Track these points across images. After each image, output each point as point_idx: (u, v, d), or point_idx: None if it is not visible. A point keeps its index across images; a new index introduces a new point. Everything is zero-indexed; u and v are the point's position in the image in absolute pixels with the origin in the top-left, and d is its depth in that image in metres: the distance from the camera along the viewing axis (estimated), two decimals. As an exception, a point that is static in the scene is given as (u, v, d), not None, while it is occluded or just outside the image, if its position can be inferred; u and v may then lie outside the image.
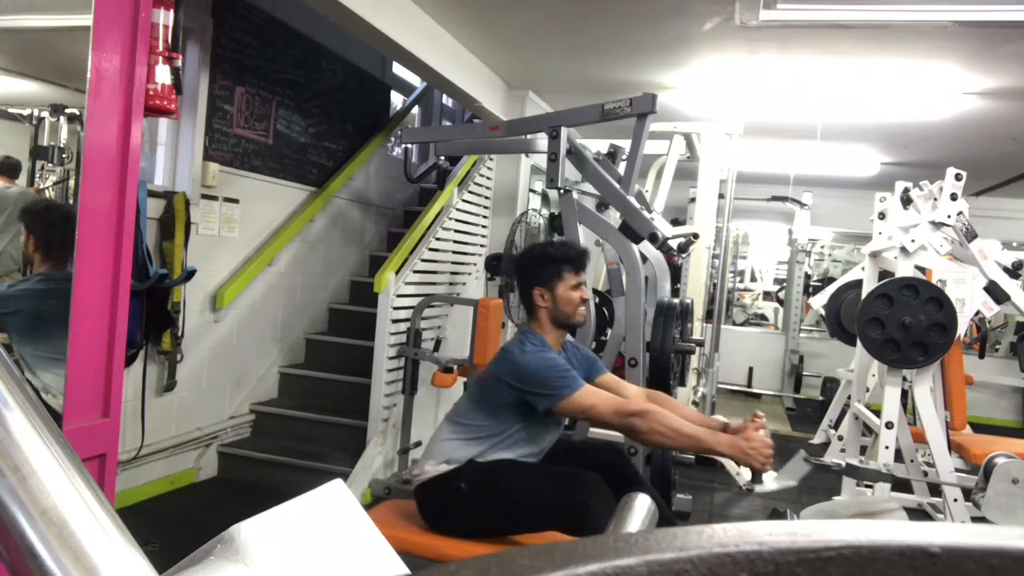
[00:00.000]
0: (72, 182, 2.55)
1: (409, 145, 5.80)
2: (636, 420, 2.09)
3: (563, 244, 2.68)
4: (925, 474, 4.00)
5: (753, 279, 9.75)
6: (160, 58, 1.82)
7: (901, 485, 3.98)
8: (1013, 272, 3.82)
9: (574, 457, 2.36)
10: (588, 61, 4.39)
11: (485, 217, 5.32)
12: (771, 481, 2.11)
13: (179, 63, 1.92)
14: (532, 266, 2.42)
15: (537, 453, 2.33)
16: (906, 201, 3.64)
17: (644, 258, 3.41)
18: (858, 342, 3.94)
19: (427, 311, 4.24)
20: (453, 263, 4.96)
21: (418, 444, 4.16)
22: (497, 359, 2.34)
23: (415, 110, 6.51)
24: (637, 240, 3.12)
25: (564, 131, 3.10)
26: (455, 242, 4.94)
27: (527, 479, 2.20)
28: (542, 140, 3.45)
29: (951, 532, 0.32)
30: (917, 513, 3.97)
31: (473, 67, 4.49)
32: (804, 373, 7.92)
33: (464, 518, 2.21)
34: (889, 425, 3.46)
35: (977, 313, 3.62)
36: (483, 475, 2.20)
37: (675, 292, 4.56)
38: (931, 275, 3.47)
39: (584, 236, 3.30)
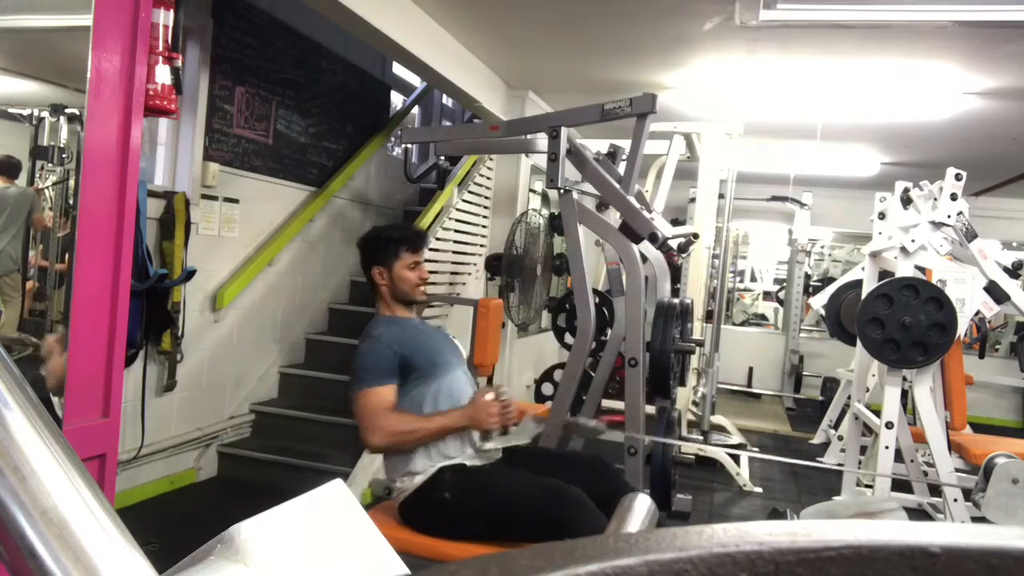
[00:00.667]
0: (72, 182, 2.55)
1: (409, 145, 5.80)
2: (373, 436, 2.19)
3: (401, 226, 2.77)
4: (925, 474, 4.00)
5: (753, 279, 9.76)
6: (160, 58, 1.82)
7: (901, 485, 3.98)
8: (1013, 272, 3.82)
9: (560, 470, 2.34)
10: (588, 61, 4.40)
11: (485, 217, 5.32)
12: (498, 439, 2.27)
13: (179, 63, 1.92)
14: (371, 247, 2.49)
15: (462, 443, 2.31)
16: (906, 201, 3.64)
17: (644, 258, 3.41)
18: (858, 342, 3.94)
19: (427, 311, 4.24)
20: (453, 263, 4.96)
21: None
22: None
23: (415, 110, 6.51)
24: (637, 240, 3.12)
25: (564, 131, 3.10)
26: (455, 242, 4.94)
27: (513, 493, 2.18)
28: (542, 140, 3.44)
29: (951, 532, 0.32)
30: (917, 513, 3.97)
31: (473, 67, 4.49)
32: (804, 373, 7.92)
33: (451, 527, 2.21)
34: (889, 425, 3.47)
35: (977, 313, 3.62)
36: (467, 485, 2.21)
37: (675, 292, 4.56)
38: (931, 275, 3.47)
39: (584, 236, 3.29)
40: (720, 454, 4.76)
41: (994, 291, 3.56)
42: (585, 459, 2.58)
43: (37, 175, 2.62)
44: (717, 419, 5.51)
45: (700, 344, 4.50)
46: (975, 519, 3.31)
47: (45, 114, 2.55)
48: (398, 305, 2.46)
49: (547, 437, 3.03)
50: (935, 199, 3.49)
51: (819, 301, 5.75)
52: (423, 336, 2.44)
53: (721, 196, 5.19)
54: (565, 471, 2.32)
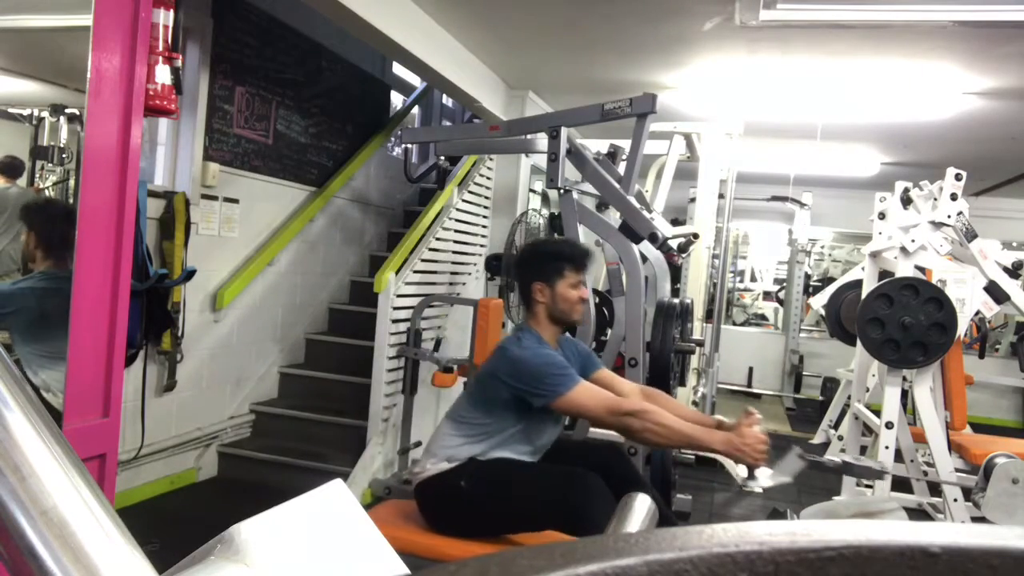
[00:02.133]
0: (72, 182, 2.55)
1: (409, 145, 5.79)
2: (630, 419, 2.09)
3: (566, 242, 2.68)
4: (925, 474, 4.00)
5: (753, 279, 9.75)
6: (160, 58, 1.82)
7: (901, 485, 3.98)
8: (1013, 272, 3.82)
9: (574, 457, 2.36)
10: (588, 61, 4.39)
11: (485, 217, 5.32)
12: (765, 478, 2.12)
13: (179, 63, 1.92)
14: (534, 261, 2.43)
15: (536, 451, 2.33)
16: (906, 201, 3.64)
17: (644, 258, 3.41)
18: (858, 342, 3.94)
19: (427, 311, 4.24)
20: (453, 263, 4.96)
21: (418, 444, 4.16)
22: (494, 355, 2.34)
23: (415, 110, 6.51)
24: (637, 240, 3.12)
25: (564, 131, 3.10)
26: (455, 242, 4.94)
27: (527, 478, 2.20)
28: (542, 140, 3.45)
29: (951, 532, 0.32)
30: (917, 513, 3.97)
31: (473, 67, 4.49)
32: (804, 373, 7.92)
33: (464, 516, 2.21)
34: (889, 425, 3.46)
35: (977, 313, 3.62)
36: (483, 473, 2.20)
37: (675, 292, 4.56)
38: (931, 275, 3.47)
39: (584, 236, 3.30)
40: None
41: (994, 291, 3.56)
42: (600, 446, 2.59)
43: (37, 175, 2.62)
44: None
45: (700, 344, 4.50)
46: (975, 519, 3.31)
47: (45, 114, 2.56)
48: (551, 326, 2.38)
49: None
50: (935, 199, 3.49)
51: (819, 301, 5.75)
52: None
53: (721, 196, 5.18)
54: (580, 458, 2.33)
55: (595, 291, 3.79)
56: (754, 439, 2.05)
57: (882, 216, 3.78)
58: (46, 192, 2.66)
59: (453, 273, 4.98)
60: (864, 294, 3.77)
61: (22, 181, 2.64)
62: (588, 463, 2.25)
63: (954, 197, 3.43)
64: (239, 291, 4.15)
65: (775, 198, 7.45)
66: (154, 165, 3.83)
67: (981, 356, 6.31)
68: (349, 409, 4.31)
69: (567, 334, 2.56)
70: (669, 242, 3.40)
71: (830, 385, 6.53)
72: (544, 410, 2.22)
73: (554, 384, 2.15)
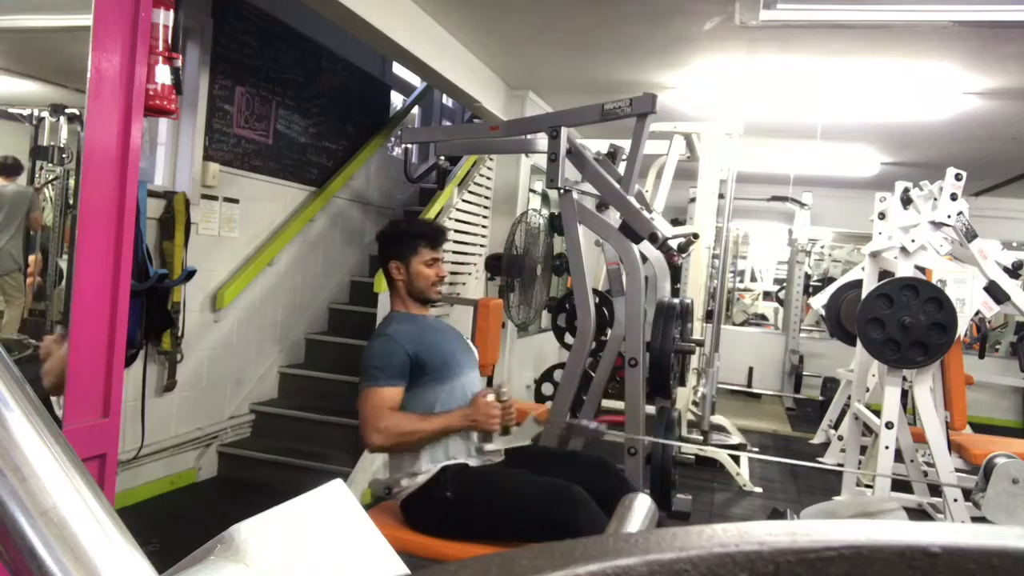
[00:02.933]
0: (72, 182, 2.55)
1: (409, 145, 5.80)
2: (376, 436, 2.18)
3: (421, 220, 2.72)
4: (925, 474, 4.00)
5: (753, 279, 9.75)
6: (160, 58, 1.82)
7: (901, 485, 3.98)
8: (1013, 272, 3.82)
9: (562, 469, 2.35)
10: (588, 61, 4.39)
11: (485, 217, 5.32)
12: (498, 440, 2.27)
13: (179, 63, 1.92)
14: (391, 240, 2.47)
15: (467, 445, 2.31)
16: (906, 201, 3.64)
17: (644, 258, 3.41)
18: (858, 342, 3.94)
19: (432, 310, 4.23)
20: (453, 263, 4.96)
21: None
22: None
23: (415, 110, 6.51)
24: (637, 240, 3.12)
25: (564, 131, 3.10)
26: (455, 242, 4.94)
27: (513, 491, 2.18)
28: (542, 140, 3.44)
29: (951, 532, 0.32)
30: (917, 513, 3.97)
31: (473, 67, 4.49)
32: (804, 373, 7.92)
33: (453, 527, 2.21)
34: (889, 425, 3.47)
35: (977, 313, 3.62)
36: (469, 484, 2.21)
37: (675, 292, 4.56)
38: (931, 275, 3.48)
39: (584, 236, 3.29)
40: (720, 454, 4.76)
41: (994, 291, 3.56)
42: (586, 458, 2.58)
43: (37, 175, 2.62)
44: (717, 419, 5.50)
45: (700, 344, 4.50)
46: (975, 519, 3.31)
47: (45, 114, 2.55)
48: (413, 302, 2.43)
49: (548, 437, 3.03)
50: (935, 199, 3.49)
51: (819, 301, 5.74)
52: (438, 335, 2.42)
53: (721, 196, 5.19)
54: (567, 470, 2.32)
55: (595, 291, 3.79)
56: (486, 406, 2.23)
57: (882, 216, 3.78)
58: (46, 192, 2.66)
59: (453, 273, 4.98)
60: (864, 294, 3.77)
61: (22, 180, 2.64)
62: (576, 476, 2.24)
63: (954, 197, 3.43)
64: (239, 291, 4.15)
65: (775, 198, 7.45)
66: (154, 165, 3.83)
67: (981, 356, 6.31)
68: (349, 409, 4.30)
69: (448, 324, 2.62)
70: (669, 242, 3.39)
71: (830, 385, 6.53)
72: (427, 380, 2.26)
73: (365, 376, 2.23)
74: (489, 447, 2.31)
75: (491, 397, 2.27)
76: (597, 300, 3.70)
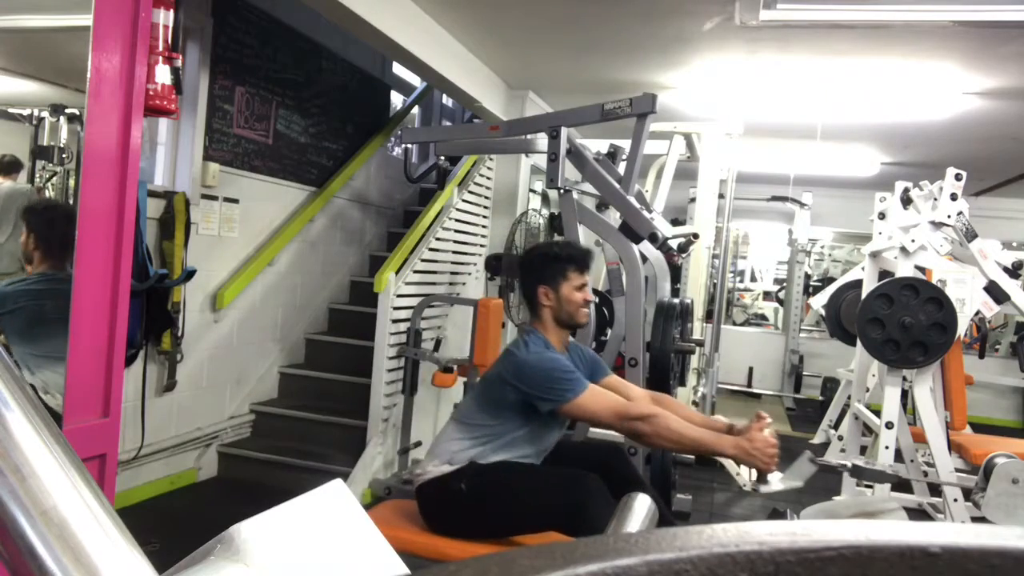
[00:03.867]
0: (72, 182, 2.55)
1: (409, 145, 5.79)
2: (640, 424, 2.09)
3: (568, 244, 2.67)
4: (925, 474, 4.00)
5: (753, 279, 9.75)
6: (160, 58, 1.82)
7: (901, 485, 3.97)
8: (1013, 272, 3.82)
9: (573, 458, 2.36)
10: (588, 61, 4.39)
11: (485, 217, 5.32)
12: (777, 482, 2.09)
13: (179, 63, 1.92)
14: (538, 264, 2.41)
15: (539, 453, 2.33)
16: (906, 201, 3.64)
17: (644, 258, 3.41)
18: (858, 342, 3.94)
19: (427, 311, 4.24)
20: (453, 263, 4.96)
21: (418, 444, 4.16)
22: (501, 359, 2.34)
23: (415, 110, 6.51)
24: (637, 240, 3.12)
25: (564, 131, 3.10)
26: (455, 242, 4.94)
27: (526, 480, 2.20)
28: (542, 140, 3.45)
29: (951, 532, 0.32)
30: (917, 513, 3.97)
31: (473, 67, 4.49)
32: (804, 373, 7.92)
33: (463, 519, 2.21)
34: (889, 425, 3.47)
35: (977, 313, 3.62)
36: (482, 476, 2.20)
37: (675, 292, 4.56)
38: (931, 275, 3.47)
39: (584, 236, 3.30)
40: (720, 454, 4.75)
41: (994, 291, 3.56)
42: (601, 447, 2.58)
43: (37, 175, 2.62)
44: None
45: (700, 344, 4.50)
46: (975, 519, 3.31)
47: (45, 114, 2.55)
48: (557, 329, 2.37)
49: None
50: (935, 199, 3.49)
51: (819, 301, 5.74)
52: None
53: (721, 196, 5.18)
54: (580, 459, 2.33)
55: (595, 291, 3.79)
56: (764, 443, 2.03)
57: (882, 216, 3.78)
58: (47, 191, 2.66)
59: (453, 273, 4.98)
60: (864, 294, 3.77)
61: (21, 179, 2.64)
62: (588, 464, 2.25)
63: (954, 197, 3.43)
64: (239, 291, 4.15)
65: (775, 198, 7.45)
66: (154, 165, 3.83)
67: (981, 356, 6.31)
68: (349, 409, 4.31)
69: (573, 339, 2.55)
70: (669, 242, 3.40)
71: (830, 385, 6.53)
72: (550, 414, 2.21)
73: (562, 389, 2.15)
74: (766, 490, 2.14)
75: (768, 432, 2.07)
76: (597, 300, 3.70)
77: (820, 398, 6.95)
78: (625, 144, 3.50)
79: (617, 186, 3.17)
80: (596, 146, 3.83)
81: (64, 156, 2.56)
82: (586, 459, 2.32)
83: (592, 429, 3.42)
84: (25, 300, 2.08)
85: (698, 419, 2.39)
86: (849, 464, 2.40)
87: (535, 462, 2.31)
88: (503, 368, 2.27)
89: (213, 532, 0.43)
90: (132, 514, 3.34)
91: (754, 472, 2.12)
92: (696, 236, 4.44)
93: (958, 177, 3.41)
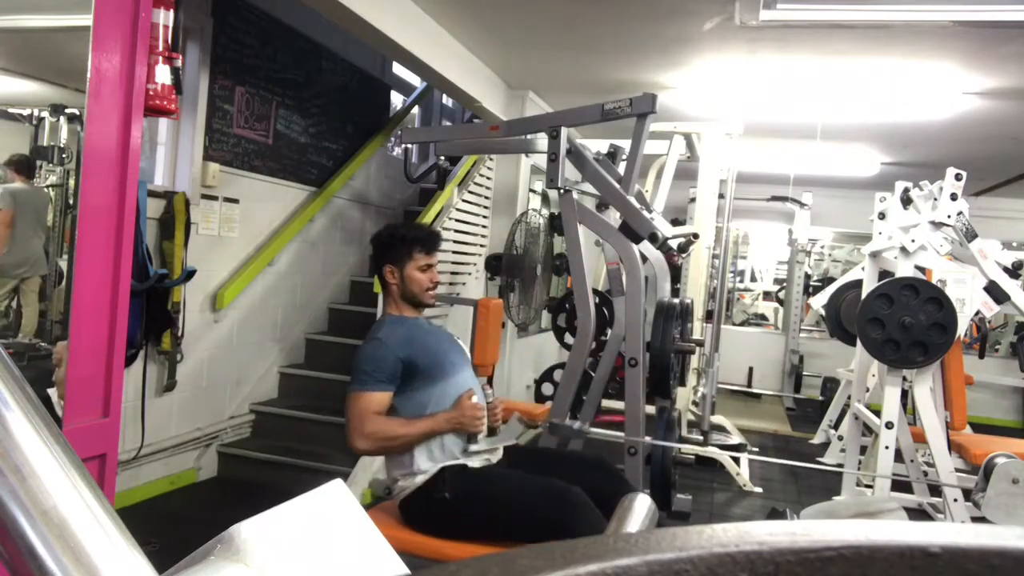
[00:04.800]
0: (72, 182, 2.55)
1: (409, 145, 5.80)
2: (359, 441, 2.19)
3: (417, 226, 2.73)
4: (925, 474, 4.00)
5: (753, 279, 9.76)
6: (160, 58, 1.82)
7: (901, 485, 3.98)
8: (1013, 272, 3.82)
9: (561, 470, 2.34)
10: (588, 61, 4.39)
11: (485, 217, 5.32)
12: (483, 441, 2.27)
13: (179, 63, 1.92)
14: (386, 244, 2.46)
15: (461, 441, 2.31)
16: (906, 201, 3.64)
17: (644, 258, 3.41)
18: (858, 342, 3.94)
19: (427, 311, 4.23)
20: (453, 263, 4.96)
21: (418, 444, 4.15)
22: None
23: (415, 110, 6.51)
24: (637, 240, 3.12)
25: (564, 131, 3.10)
26: (455, 242, 4.94)
27: (512, 492, 2.18)
28: (542, 140, 3.44)
29: (951, 532, 0.32)
30: (917, 513, 3.97)
31: (473, 67, 4.49)
32: (804, 373, 7.92)
33: (451, 527, 2.21)
34: (889, 425, 3.47)
35: (977, 313, 3.62)
36: (468, 485, 2.21)
37: (675, 292, 4.56)
38: (931, 275, 3.47)
39: (584, 236, 3.29)
40: (720, 454, 4.76)
41: (994, 291, 3.56)
42: (587, 459, 2.58)
43: (37, 175, 2.62)
44: (717, 419, 5.50)
45: (700, 344, 4.50)
46: (975, 519, 3.31)
47: (45, 114, 2.56)
48: (406, 305, 2.45)
49: (547, 437, 3.03)
50: (935, 199, 3.49)
51: (819, 301, 5.75)
52: (429, 337, 2.42)
53: (721, 196, 5.19)
54: (566, 470, 2.32)
55: (595, 291, 3.79)
56: (471, 408, 2.23)
57: (882, 216, 3.78)
58: (48, 192, 2.66)
59: (453, 273, 4.98)
60: (864, 294, 3.77)
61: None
62: (575, 476, 2.24)
63: (954, 197, 3.43)
64: (239, 291, 4.15)
65: (775, 198, 7.45)
66: (154, 165, 3.83)
67: (981, 356, 6.31)
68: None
69: (443, 327, 2.57)
70: (669, 242, 3.40)
71: (830, 385, 6.53)
72: (419, 383, 2.26)
73: (355, 379, 2.24)
74: (474, 448, 2.31)
75: (475, 398, 2.27)
76: (597, 300, 3.70)
77: (820, 398, 6.95)
78: (625, 144, 3.50)
79: (617, 186, 3.17)
80: (596, 146, 3.83)
81: (64, 156, 2.56)
82: (573, 472, 2.31)
83: (591, 429, 3.42)
84: None
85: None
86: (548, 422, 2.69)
87: (462, 436, 2.30)
88: None
89: (213, 532, 0.43)
90: (132, 514, 3.34)
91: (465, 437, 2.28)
92: (696, 236, 4.45)
93: (958, 177, 3.41)
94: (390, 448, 2.24)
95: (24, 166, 2.56)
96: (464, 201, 4.96)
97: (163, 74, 1.84)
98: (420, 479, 2.24)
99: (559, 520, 2.07)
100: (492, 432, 2.37)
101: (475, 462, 2.30)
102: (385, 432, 2.20)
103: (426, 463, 2.25)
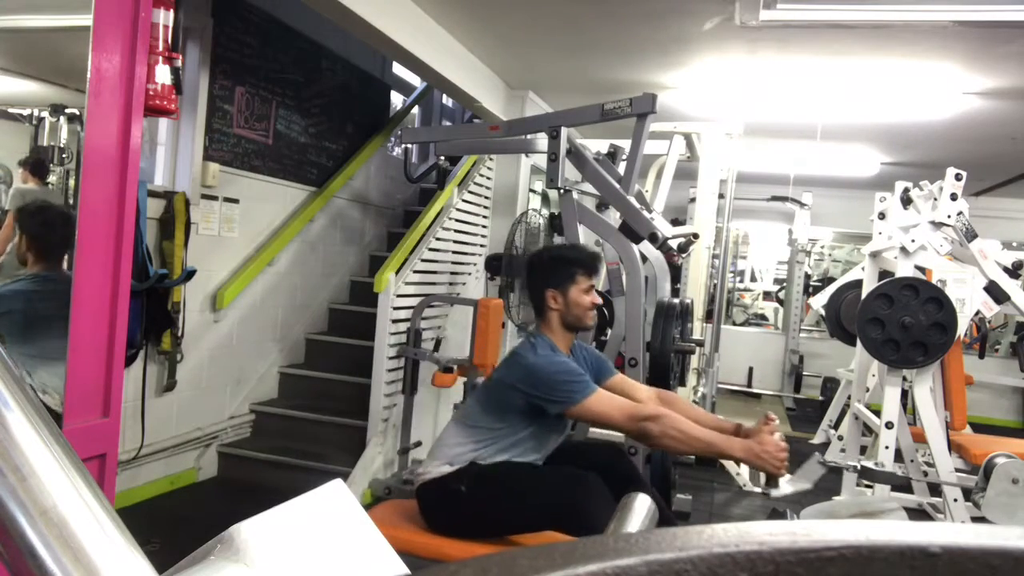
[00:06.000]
0: (72, 182, 2.55)
1: (409, 145, 5.79)
2: (649, 425, 2.07)
3: (577, 247, 2.66)
4: (925, 474, 4.00)
5: (753, 279, 9.75)
6: (160, 58, 1.82)
7: (901, 485, 3.98)
8: (1013, 272, 3.82)
9: (574, 457, 2.36)
10: (588, 61, 4.39)
11: (485, 217, 5.32)
12: (786, 484, 2.09)
13: (179, 63, 1.92)
14: (546, 267, 2.40)
15: (541, 456, 2.33)
16: (906, 201, 3.63)
17: (644, 258, 3.41)
18: (858, 342, 3.94)
19: (427, 311, 4.24)
20: (453, 263, 4.96)
21: (418, 444, 4.15)
22: (507, 362, 2.33)
23: (415, 110, 6.51)
24: (637, 240, 3.12)
25: (564, 131, 3.10)
26: (455, 242, 4.94)
27: (525, 480, 2.20)
28: (542, 140, 3.44)
29: (951, 532, 0.32)
30: (917, 513, 3.97)
31: (473, 67, 4.49)
32: (804, 373, 7.92)
33: (463, 519, 2.21)
34: (889, 425, 3.46)
35: (977, 313, 3.62)
36: (483, 477, 2.21)
37: (675, 292, 4.56)
38: (931, 275, 3.47)
39: (584, 236, 3.29)
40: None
41: (994, 291, 3.56)
42: (600, 447, 2.59)
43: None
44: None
45: (700, 344, 4.50)
46: (975, 519, 3.31)
47: (45, 114, 2.55)
48: (563, 332, 2.36)
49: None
50: (935, 199, 3.49)
51: (819, 301, 5.74)
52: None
53: (721, 196, 5.18)
54: (579, 458, 2.33)
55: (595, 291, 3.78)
56: (775, 447, 2.01)
57: (882, 216, 3.78)
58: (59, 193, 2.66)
59: (453, 273, 4.98)
60: (864, 294, 3.77)
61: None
62: (588, 463, 2.25)
63: (954, 197, 3.43)
64: (239, 291, 4.15)
65: (775, 198, 7.45)
66: (154, 165, 3.83)
67: (981, 356, 6.31)
68: (349, 409, 4.31)
69: (577, 340, 2.54)
70: (669, 242, 3.39)
71: (830, 385, 6.53)
72: (557, 416, 2.21)
73: (570, 391, 2.14)
74: (776, 493, 2.11)
75: (778, 436, 2.05)
76: (601, 302, 3.69)
77: (820, 398, 6.95)
78: (625, 144, 3.50)
79: (617, 186, 3.17)
80: (596, 146, 3.83)
81: (64, 156, 2.56)
82: (586, 459, 2.33)
83: (592, 429, 3.42)
84: (18, 302, 2.08)
85: (707, 419, 2.36)
86: (858, 465, 2.40)
87: (537, 462, 2.31)
88: (509, 371, 2.27)
89: (213, 532, 0.43)
90: (132, 514, 3.34)
91: (761, 475, 2.10)
92: (696, 236, 4.44)
93: (958, 177, 3.41)
94: (677, 435, 2.05)
95: (38, 167, 2.57)
96: (464, 201, 4.96)
97: (163, 74, 1.84)
98: (447, 469, 2.23)
99: (576, 504, 2.07)
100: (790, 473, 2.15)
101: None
102: (678, 424, 2.05)
103: (471, 456, 2.23)
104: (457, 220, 4.90)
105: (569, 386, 2.15)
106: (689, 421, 2.12)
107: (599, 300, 2.43)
